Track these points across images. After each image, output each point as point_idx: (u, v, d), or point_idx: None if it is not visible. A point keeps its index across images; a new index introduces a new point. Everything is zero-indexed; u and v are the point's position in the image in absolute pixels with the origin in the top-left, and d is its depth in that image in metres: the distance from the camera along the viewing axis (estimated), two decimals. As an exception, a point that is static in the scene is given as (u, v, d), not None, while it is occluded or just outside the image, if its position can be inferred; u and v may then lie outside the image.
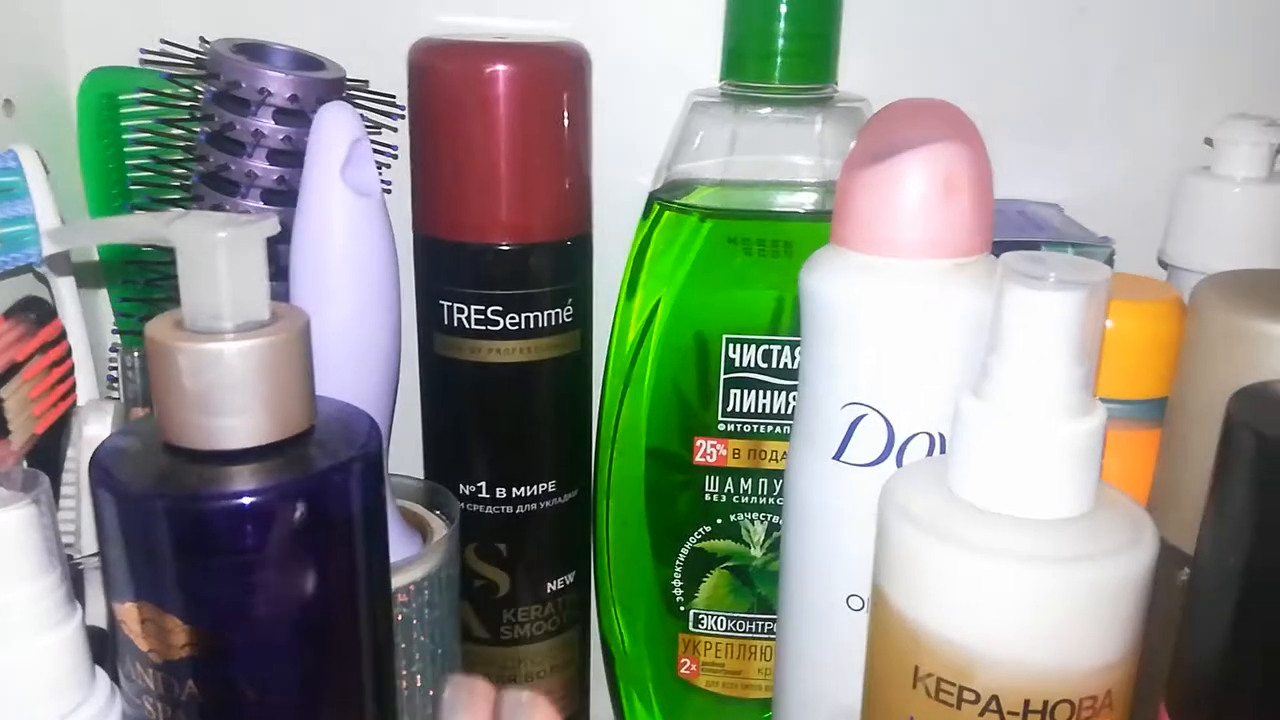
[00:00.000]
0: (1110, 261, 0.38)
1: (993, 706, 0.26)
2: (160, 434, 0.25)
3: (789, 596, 0.35)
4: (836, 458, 0.33)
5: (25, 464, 0.30)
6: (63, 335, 0.32)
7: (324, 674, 0.26)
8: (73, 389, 0.32)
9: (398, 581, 0.34)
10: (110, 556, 0.25)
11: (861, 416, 0.32)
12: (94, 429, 0.30)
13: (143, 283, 0.38)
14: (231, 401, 0.25)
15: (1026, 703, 0.25)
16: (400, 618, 0.34)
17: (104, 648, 0.27)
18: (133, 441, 0.26)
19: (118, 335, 0.40)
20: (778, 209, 0.39)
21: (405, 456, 0.41)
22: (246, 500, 0.24)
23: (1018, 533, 0.26)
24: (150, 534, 0.24)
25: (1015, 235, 0.38)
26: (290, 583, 0.25)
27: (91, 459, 0.25)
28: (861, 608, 0.32)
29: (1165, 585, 0.28)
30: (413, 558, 0.35)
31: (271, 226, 0.26)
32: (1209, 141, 0.39)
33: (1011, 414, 0.26)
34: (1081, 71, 0.43)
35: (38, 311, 0.32)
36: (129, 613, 0.25)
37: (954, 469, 0.28)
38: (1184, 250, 0.39)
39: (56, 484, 0.31)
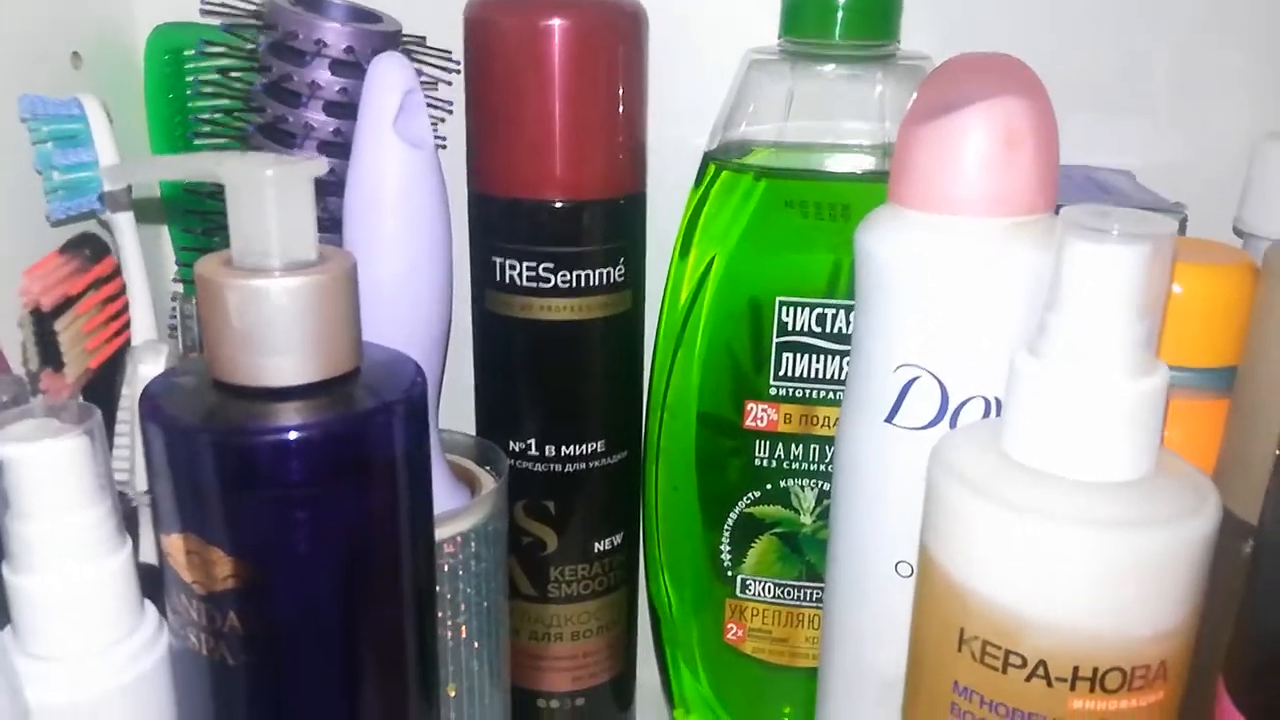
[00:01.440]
0: (1182, 228, 0.37)
1: (1040, 672, 0.25)
2: (209, 371, 0.25)
3: (837, 562, 0.35)
4: (889, 421, 0.32)
5: (80, 398, 0.30)
6: (117, 272, 0.32)
7: (363, 612, 0.26)
8: (127, 325, 0.32)
9: (445, 532, 0.34)
10: (158, 490, 0.25)
11: (915, 379, 0.32)
12: (148, 368, 0.31)
13: (200, 232, 0.38)
14: (277, 339, 0.25)
15: (1075, 669, 0.25)
16: (446, 568, 0.34)
17: (155, 584, 0.28)
18: (183, 378, 0.27)
19: (179, 285, 0.41)
20: (836, 171, 0.38)
21: (458, 413, 0.41)
22: (290, 436, 0.24)
23: (1072, 495, 0.25)
24: (195, 467, 0.25)
25: (1081, 199, 0.37)
26: (331, 520, 0.25)
27: (142, 393, 0.26)
28: (910, 575, 0.32)
29: (1228, 557, 0.27)
30: (460, 509, 0.35)
31: (319, 166, 0.26)
32: None
33: (1070, 371, 0.25)
34: (1155, 35, 0.42)
35: (92, 247, 0.32)
36: (175, 544, 0.25)
37: (1008, 429, 0.27)
38: (1259, 217, 0.37)
39: (111, 421, 0.31)
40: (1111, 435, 0.25)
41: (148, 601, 0.28)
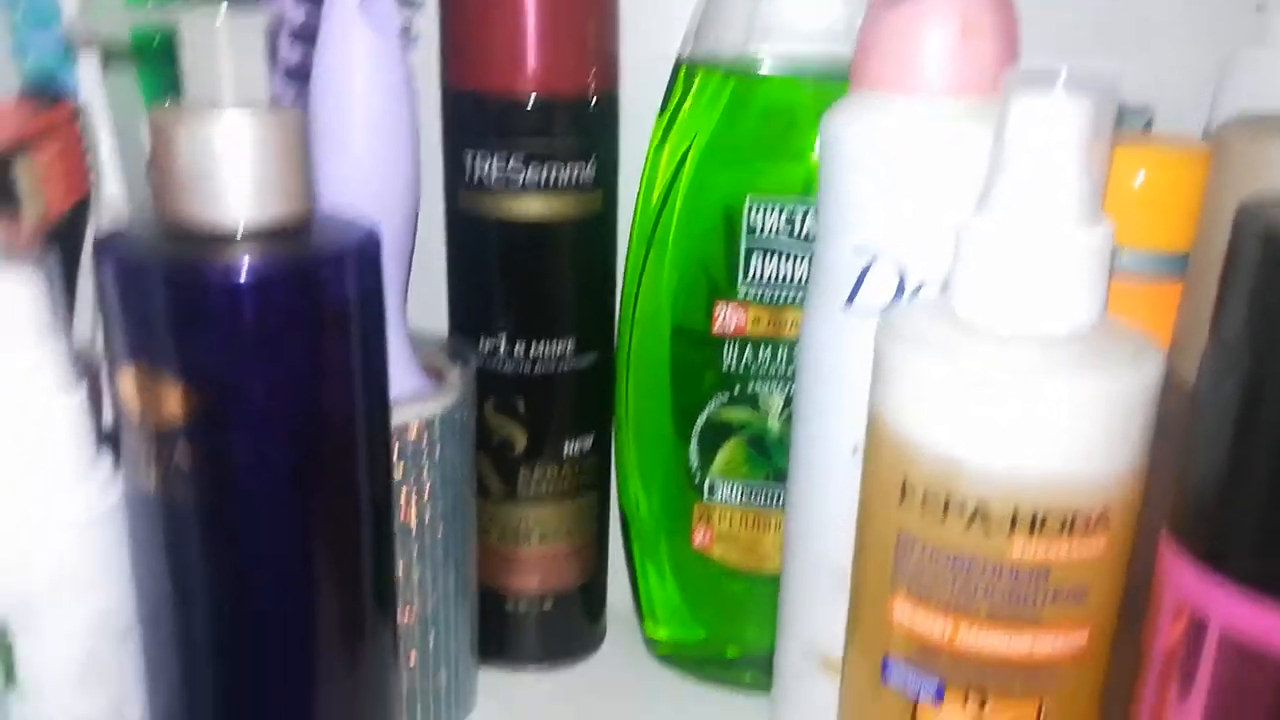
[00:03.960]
0: (1149, 127, 0.37)
1: (978, 518, 0.25)
2: (160, 215, 0.26)
3: (797, 448, 0.35)
4: (848, 303, 0.33)
5: (41, 244, 0.30)
6: (76, 116, 0.32)
7: (312, 460, 0.27)
8: (89, 173, 0.33)
9: (408, 416, 0.34)
10: (111, 330, 0.26)
11: (873, 261, 0.32)
12: (99, 211, 0.31)
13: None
14: (223, 177, 0.25)
15: (1014, 513, 0.25)
16: (411, 454, 0.34)
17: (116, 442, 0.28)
18: (135, 222, 0.27)
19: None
20: (809, 75, 0.38)
21: (432, 315, 0.41)
22: (237, 275, 0.25)
23: (1009, 346, 0.26)
24: (146, 304, 0.25)
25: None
26: (278, 361, 0.26)
27: (95, 238, 0.26)
28: (866, 457, 0.32)
29: (1177, 425, 0.27)
30: (425, 395, 0.35)
31: (268, 21, 0.26)
32: (1260, 7, 0.37)
33: (1013, 225, 0.26)
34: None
35: (52, 94, 0.32)
36: (127, 379, 0.25)
37: (954, 288, 0.27)
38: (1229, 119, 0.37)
39: (76, 269, 0.32)
40: (1052, 286, 0.26)
41: (105, 449, 0.28)
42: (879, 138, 0.31)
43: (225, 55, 0.26)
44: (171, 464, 0.26)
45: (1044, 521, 0.25)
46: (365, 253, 0.27)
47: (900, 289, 0.32)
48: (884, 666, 0.28)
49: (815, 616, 0.36)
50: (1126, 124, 0.37)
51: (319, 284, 0.27)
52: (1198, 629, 0.24)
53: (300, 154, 0.26)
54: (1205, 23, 0.41)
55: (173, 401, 0.25)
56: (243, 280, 0.25)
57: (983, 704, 0.26)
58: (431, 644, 0.37)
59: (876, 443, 0.28)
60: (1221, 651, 0.24)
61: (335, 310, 0.27)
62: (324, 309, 0.27)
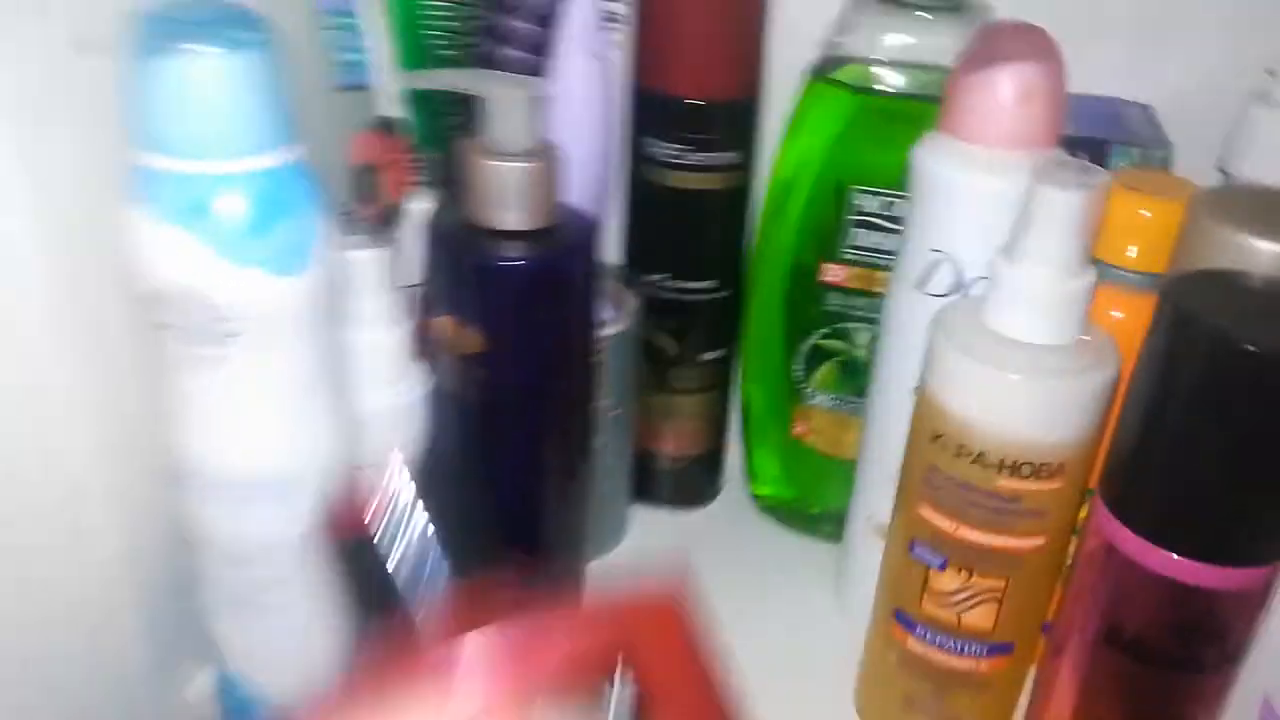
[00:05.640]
0: (1166, 162, 0.48)
1: (980, 460, 0.39)
2: (466, 215, 0.40)
3: (876, 384, 0.49)
4: (919, 289, 0.45)
5: (384, 222, 0.45)
6: (407, 147, 0.47)
7: (556, 377, 0.42)
8: (411, 181, 0.47)
9: (600, 334, 0.49)
10: (432, 288, 0.41)
11: (941, 260, 0.45)
12: (418, 206, 0.45)
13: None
14: (508, 199, 0.39)
15: (1002, 460, 0.38)
16: (600, 361, 0.49)
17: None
18: (443, 218, 0.42)
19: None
20: (910, 91, 0.50)
21: (613, 255, 0.55)
22: (514, 260, 0.39)
23: (1014, 350, 0.38)
24: (457, 275, 0.40)
25: (1086, 132, 0.48)
26: (536, 312, 0.41)
27: (430, 233, 0.41)
28: (920, 396, 0.45)
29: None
30: (610, 319, 0.50)
31: (542, 89, 0.40)
32: (1271, 73, 0.47)
33: (1030, 269, 0.38)
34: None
35: (397, 126, 0.47)
36: (441, 323, 0.40)
37: (986, 305, 0.40)
38: (1236, 164, 0.48)
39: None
40: (1049, 313, 0.38)
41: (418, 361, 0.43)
42: (952, 176, 0.43)
43: (514, 114, 0.39)
44: (469, 376, 0.41)
45: (1020, 467, 0.38)
46: (589, 242, 0.41)
47: (959, 281, 0.45)
48: (910, 545, 0.42)
49: (875, 496, 0.50)
50: (1148, 158, 0.48)
51: (562, 265, 0.41)
52: (1107, 546, 0.38)
53: (555, 181, 0.40)
54: (1230, 78, 0.50)
55: (471, 339, 0.40)
56: (517, 264, 0.40)
57: (970, 575, 0.41)
58: (605, 486, 0.53)
59: (922, 401, 0.41)
60: (1111, 558, 0.38)
61: (570, 281, 0.41)
62: (565, 281, 0.41)
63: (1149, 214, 0.43)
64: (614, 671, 0.30)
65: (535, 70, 0.47)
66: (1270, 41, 0.50)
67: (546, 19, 0.49)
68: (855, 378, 0.54)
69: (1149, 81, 0.53)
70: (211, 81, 0.31)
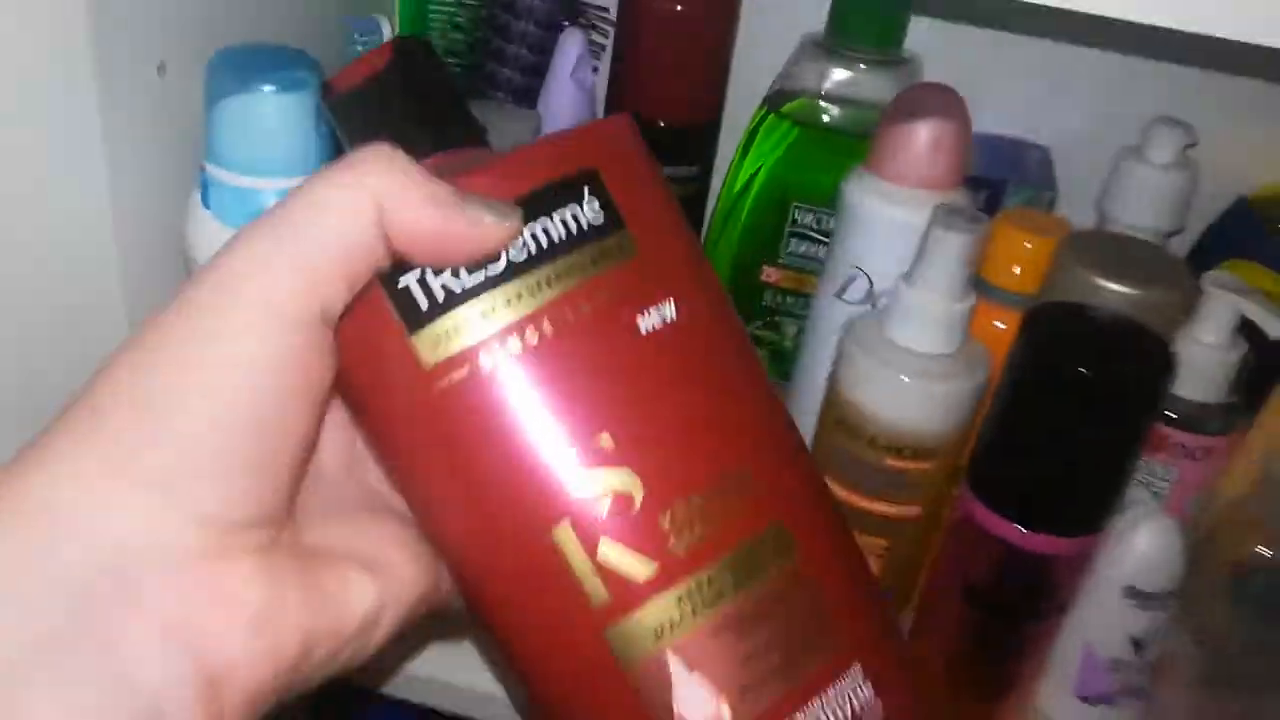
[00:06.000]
0: (1051, 204, 0.57)
1: (872, 444, 0.48)
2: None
3: (797, 371, 0.58)
4: (838, 296, 0.54)
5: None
6: None
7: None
8: None
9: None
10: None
11: (856, 276, 0.54)
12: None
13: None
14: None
15: (890, 444, 0.48)
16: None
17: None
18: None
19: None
20: (846, 127, 0.59)
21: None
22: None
23: (907, 358, 0.48)
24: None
25: (987, 173, 0.57)
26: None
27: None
28: (834, 385, 0.55)
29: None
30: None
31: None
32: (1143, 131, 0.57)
33: (923, 293, 0.47)
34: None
35: None
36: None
37: (889, 319, 0.49)
38: (1110, 209, 0.57)
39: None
40: (937, 329, 0.47)
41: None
42: (873, 208, 0.52)
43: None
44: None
45: (904, 450, 0.48)
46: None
47: (870, 293, 0.54)
48: (815, 507, 0.51)
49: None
50: (1037, 200, 0.57)
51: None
52: (966, 518, 0.48)
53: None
54: (1115, 128, 0.60)
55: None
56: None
57: (860, 535, 0.50)
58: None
59: (830, 395, 0.50)
60: (969, 528, 0.47)
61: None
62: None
63: (1030, 245, 0.52)
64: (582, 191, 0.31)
65: (528, 90, 0.55)
66: (1153, 99, 0.60)
67: (542, 47, 0.57)
68: (782, 363, 0.63)
69: (1049, 127, 0.62)
70: (270, 115, 0.39)
